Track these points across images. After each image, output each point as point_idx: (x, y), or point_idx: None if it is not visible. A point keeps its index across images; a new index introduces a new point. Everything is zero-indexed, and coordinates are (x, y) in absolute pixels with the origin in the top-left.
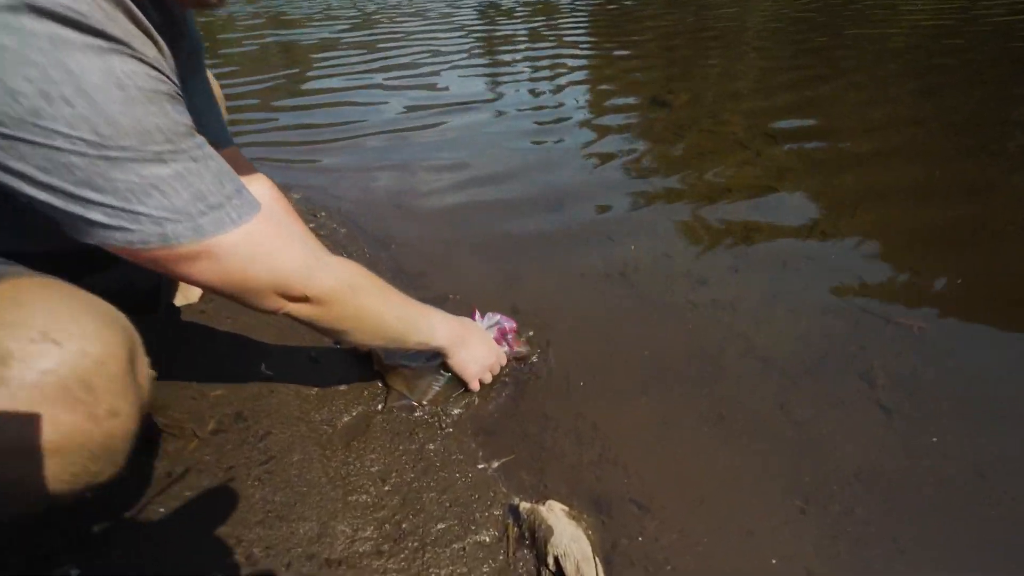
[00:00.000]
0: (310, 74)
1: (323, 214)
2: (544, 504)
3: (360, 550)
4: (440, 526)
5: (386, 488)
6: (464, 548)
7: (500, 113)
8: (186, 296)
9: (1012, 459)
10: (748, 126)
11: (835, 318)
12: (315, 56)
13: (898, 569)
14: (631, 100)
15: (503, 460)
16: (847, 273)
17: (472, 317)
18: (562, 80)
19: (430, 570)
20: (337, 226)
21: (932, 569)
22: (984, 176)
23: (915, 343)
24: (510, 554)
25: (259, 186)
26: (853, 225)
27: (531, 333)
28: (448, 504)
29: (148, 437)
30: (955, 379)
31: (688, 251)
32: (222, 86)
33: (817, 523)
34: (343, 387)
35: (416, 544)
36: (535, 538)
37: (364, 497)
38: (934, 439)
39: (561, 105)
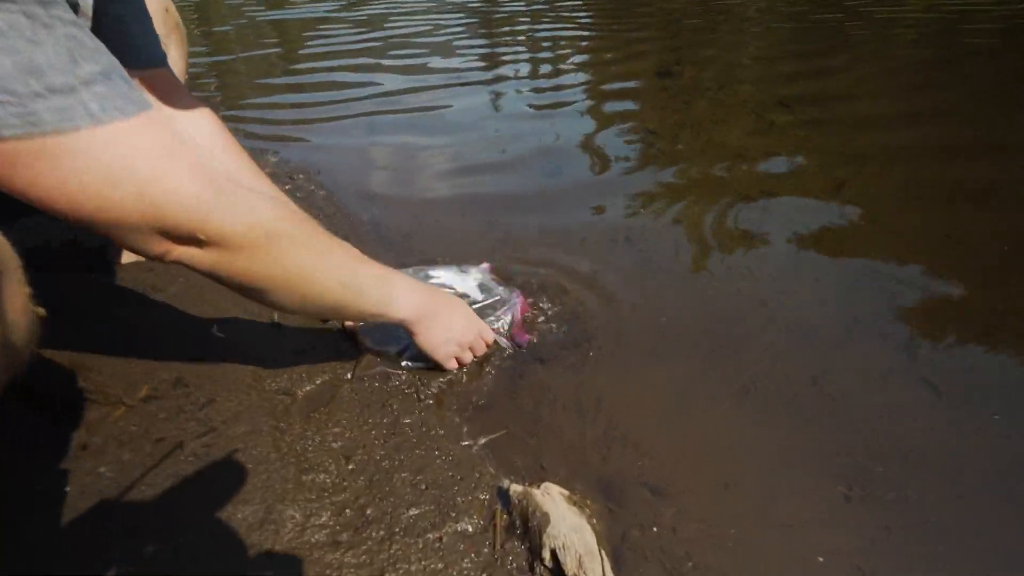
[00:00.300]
0: (303, 52)
1: (300, 176)
2: (539, 487)
3: (312, 540)
4: (413, 512)
5: (350, 467)
6: (441, 539)
7: (500, 81)
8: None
9: None
10: (760, 95)
11: (865, 287)
12: (308, 34)
13: (966, 568)
14: (636, 72)
15: (491, 436)
16: (875, 238)
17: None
18: (563, 51)
19: (397, 565)
20: (315, 188)
21: (1005, 567)
22: (1016, 136)
23: (958, 313)
24: (497, 546)
25: (197, 117)
26: (879, 189)
27: (542, 319)
28: (424, 487)
29: (68, 402)
30: (1008, 351)
31: (701, 216)
32: (215, 63)
33: (865, 512)
34: (308, 353)
35: (382, 533)
36: (528, 528)
37: (322, 477)
38: (995, 416)
39: (562, 75)
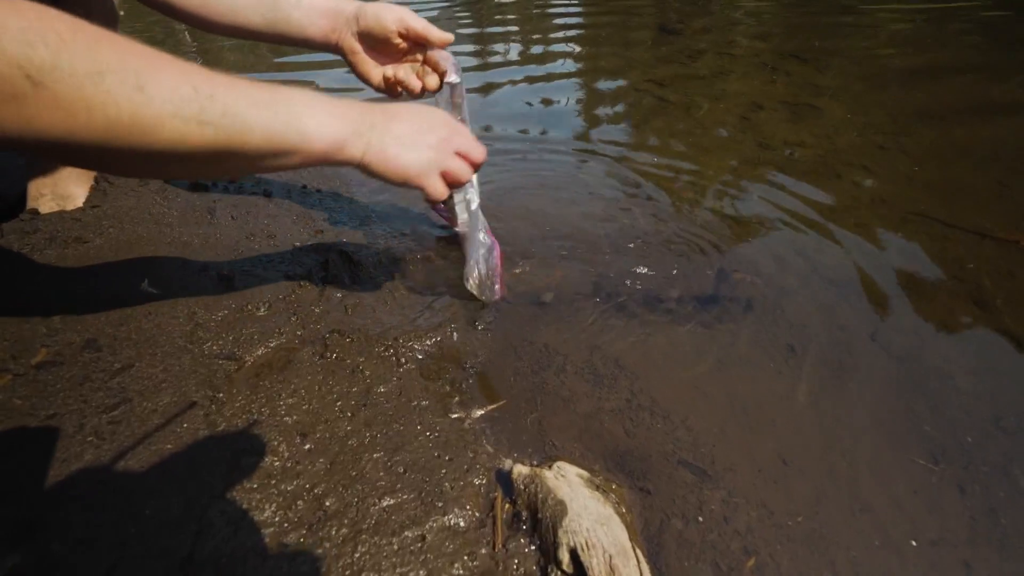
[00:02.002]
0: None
1: None
2: (551, 468)
3: (246, 544)
4: (386, 503)
5: (306, 447)
6: (423, 537)
7: (490, 53)
8: (61, 201)
9: None
10: (771, 49)
11: (916, 233)
12: None
13: None
14: (637, 29)
15: (488, 408)
16: (918, 185)
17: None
18: (555, 9)
19: (364, 575)
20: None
21: None
22: None
23: None
24: (498, 545)
25: None
26: (915, 138)
27: (520, 269)
28: (402, 470)
29: None
30: None
31: (721, 167)
32: (202, 48)
33: (959, 490)
34: (262, 312)
35: (345, 532)
36: (538, 520)
37: (268, 460)
38: None
39: (554, 39)
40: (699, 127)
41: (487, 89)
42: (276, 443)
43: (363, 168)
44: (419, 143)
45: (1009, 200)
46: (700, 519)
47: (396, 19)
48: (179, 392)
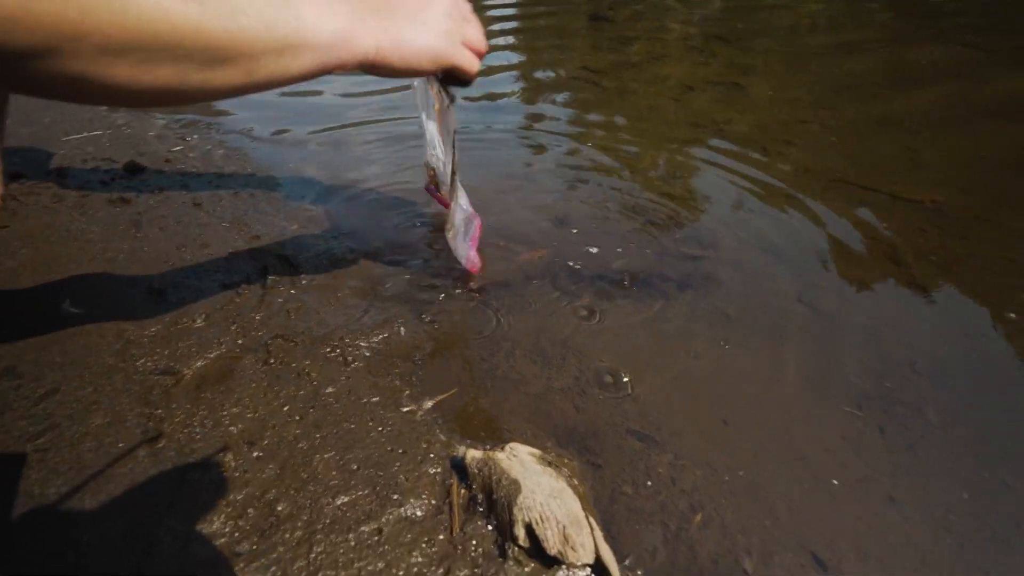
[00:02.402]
0: None
1: (195, 137)
2: (503, 450)
3: (197, 557)
4: (340, 501)
5: (255, 454)
6: (380, 530)
7: None
8: None
9: None
10: (699, 32)
11: (837, 199)
12: None
13: (1008, 480)
14: (571, 18)
15: (439, 398)
16: (837, 154)
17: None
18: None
19: (321, 574)
20: (213, 147)
21: None
22: (960, 61)
23: (934, 217)
24: (456, 529)
25: None
26: (833, 111)
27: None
28: (355, 467)
29: None
30: (992, 247)
31: (657, 147)
32: None
33: (881, 431)
34: (199, 323)
35: (299, 534)
36: (493, 501)
37: (214, 472)
38: (1000, 315)
39: (491, 32)
40: (634, 111)
41: None
42: (222, 454)
43: (381, 64)
44: (430, 16)
45: (918, 164)
46: (649, 483)
47: None
48: (112, 412)
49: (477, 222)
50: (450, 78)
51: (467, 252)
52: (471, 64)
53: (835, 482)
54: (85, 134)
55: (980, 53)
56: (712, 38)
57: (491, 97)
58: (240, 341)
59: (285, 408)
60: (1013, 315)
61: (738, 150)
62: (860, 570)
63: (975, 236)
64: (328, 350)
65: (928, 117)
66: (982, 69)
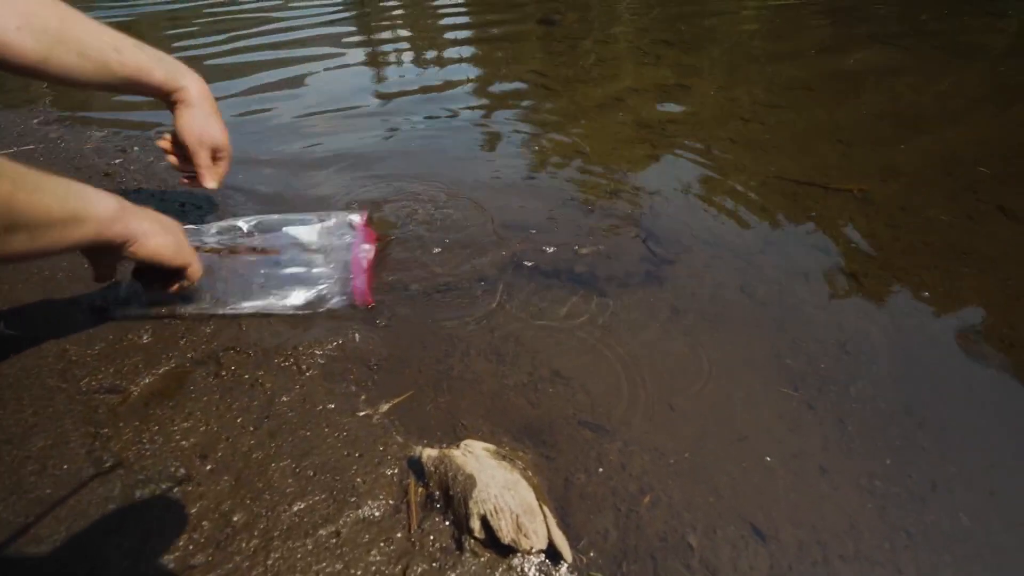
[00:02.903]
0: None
1: (135, 149)
2: (459, 447)
3: (147, 573)
4: (297, 507)
5: (208, 467)
6: (338, 533)
7: (374, 56)
8: None
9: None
10: (643, 36)
11: (773, 193)
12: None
13: (925, 445)
14: (518, 23)
15: (395, 401)
16: (775, 150)
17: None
18: (444, 13)
19: None
20: (155, 159)
21: (963, 441)
22: (888, 63)
23: (862, 206)
24: (413, 527)
25: None
26: (771, 111)
27: (441, 268)
28: (311, 473)
29: None
30: (914, 233)
31: (605, 148)
32: None
33: (815, 408)
34: (146, 339)
35: (256, 543)
36: (450, 497)
37: (167, 487)
38: (924, 293)
39: (440, 36)
40: (582, 112)
41: (387, 97)
42: (174, 469)
43: (136, 245)
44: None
45: (846, 156)
46: (600, 470)
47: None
48: (55, 434)
49: (358, 253)
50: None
51: (359, 292)
52: (194, 267)
53: (771, 458)
54: (15, 148)
55: (906, 56)
56: (657, 41)
57: (443, 103)
58: (190, 355)
59: (239, 420)
60: (927, 294)
61: (682, 149)
62: (795, 536)
63: (901, 223)
64: (282, 360)
65: (858, 115)
66: (907, 71)
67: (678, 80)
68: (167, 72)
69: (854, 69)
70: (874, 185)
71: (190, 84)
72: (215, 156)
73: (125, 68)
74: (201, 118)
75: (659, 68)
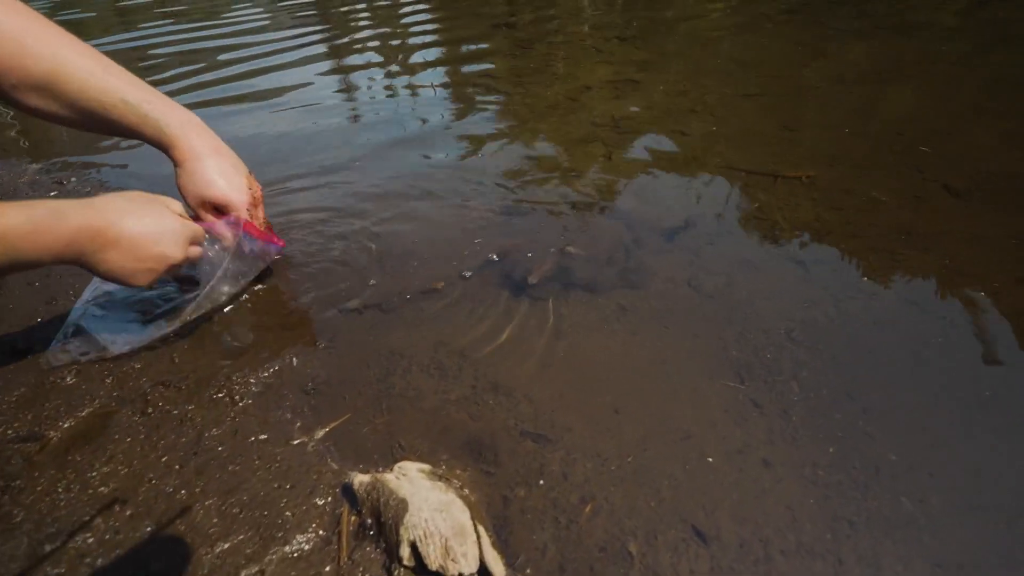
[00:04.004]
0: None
1: (72, 180)
2: (392, 470)
3: None
4: (220, 549)
5: (127, 513)
6: (262, 572)
7: (336, 62)
8: None
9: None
10: (598, 34)
11: (723, 183)
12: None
13: (868, 431)
14: (474, 26)
15: (332, 425)
16: (725, 141)
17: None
18: (402, 19)
19: None
20: (92, 189)
21: (905, 423)
22: (822, 45)
23: (809, 192)
24: (344, 559)
25: None
26: (720, 102)
27: (373, 280)
28: (237, 511)
29: None
30: (859, 218)
31: (560, 147)
32: None
33: (761, 401)
34: (70, 380)
35: None
36: (382, 524)
37: (79, 540)
38: (864, 278)
39: (402, 40)
40: (534, 114)
41: (355, 117)
42: (88, 518)
43: (108, 256)
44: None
45: (794, 144)
46: (541, 482)
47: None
48: None
49: (236, 219)
50: None
51: (269, 240)
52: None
53: (714, 455)
54: None
55: (858, 45)
56: (610, 39)
57: (405, 111)
58: (116, 393)
59: (164, 459)
60: (871, 276)
61: (634, 143)
62: (736, 535)
63: (846, 206)
64: (214, 391)
65: (805, 105)
66: (862, 59)
67: (629, 75)
68: (153, 131)
69: (802, 61)
70: (821, 170)
71: (180, 141)
72: (222, 211)
73: (114, 129)
74: (198, 176)
75: (611, 65)
